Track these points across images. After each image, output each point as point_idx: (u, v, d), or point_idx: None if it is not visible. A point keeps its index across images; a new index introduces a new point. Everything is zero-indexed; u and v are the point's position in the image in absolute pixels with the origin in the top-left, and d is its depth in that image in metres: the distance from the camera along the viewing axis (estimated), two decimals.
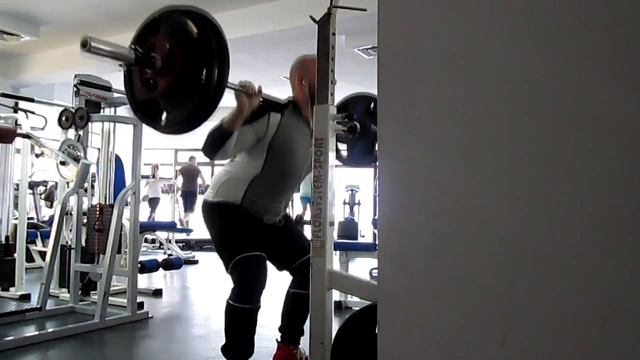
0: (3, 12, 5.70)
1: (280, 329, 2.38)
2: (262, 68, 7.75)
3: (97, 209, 3.46)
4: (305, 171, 2.27)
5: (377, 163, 0.93)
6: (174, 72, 1.59)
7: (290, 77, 2.23)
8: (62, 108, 3.55)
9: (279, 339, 2.37)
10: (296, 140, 2.14)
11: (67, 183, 3.71)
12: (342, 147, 2.44)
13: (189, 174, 10.38)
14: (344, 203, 9.82)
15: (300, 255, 2.28)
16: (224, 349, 2.14)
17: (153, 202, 9.98)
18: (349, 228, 6.69)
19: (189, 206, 10.34)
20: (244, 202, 2.14)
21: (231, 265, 2.09)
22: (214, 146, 2.00)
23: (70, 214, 3.78)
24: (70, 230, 3.85)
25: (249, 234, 2.15)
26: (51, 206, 6.70)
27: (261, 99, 2.02)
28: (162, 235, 6.89)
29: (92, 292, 3.77)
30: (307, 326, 1.84)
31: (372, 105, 2.34)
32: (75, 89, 3.49)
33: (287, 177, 2.24)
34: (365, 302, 1.74)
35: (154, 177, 9.87)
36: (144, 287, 4.44)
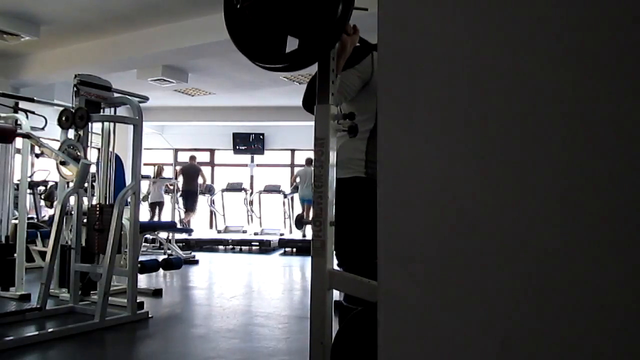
0: (3, 12, 5.70)
1: None
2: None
3: (97, 209, 3.46)
4: None
5: (377, 163, 0.93)
6: None
7: None
8: (62, 108, 3.55)
9: None
10: None
11: (67, 183, 3.71)
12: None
13: (189, 173, 10.37)
14: None
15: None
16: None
17: (156, 205, 9.94)
18: None
19: (189, 206, 10.32)
20: (368, 168, 1.91)
21: (356, 269, 1.83)
22: (308, 92, 1.80)
23: (70, 214, 3.78)
24: (70, 230, 3.85)
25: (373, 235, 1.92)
26: (51, 206, 6.70)
27: (359, 42, 1.86)
28: (162, 235, 6.89)
29: (92, 292, 3.77)
30: (305, 326, 1.84)
31: None
32: (75, 89, 3.49)
33: None
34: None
35: (157, 177, 9.84)
36: (144, 287, 4.44)
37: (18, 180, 4.37)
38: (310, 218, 1.76)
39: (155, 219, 9.98)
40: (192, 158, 10.88)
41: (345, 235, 1.90)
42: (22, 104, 4.44)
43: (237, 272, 6.33)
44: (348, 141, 1.92)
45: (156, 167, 10.06)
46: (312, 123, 1.70)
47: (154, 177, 9.76)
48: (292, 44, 1.62)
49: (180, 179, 10.31)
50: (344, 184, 1.88)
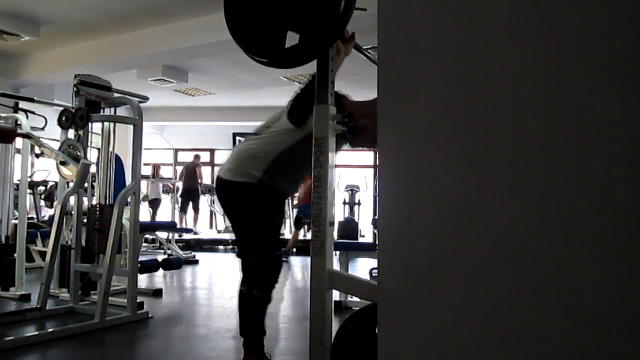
0: (3, 12, 5.69)
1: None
2: (263, 68, 7.73)
3: (97, 209, 3.46)
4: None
5: (377, 163, 0.93)
6: None
7: None
8: (62, 108, 3.55)
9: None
10: None
11: (67, 183, 3.71)
12: None
13: (189, 170, 10.38)
14: (344, 203, 9.82)
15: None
16: (249, 339, 2.20)
17: (154, 203, 9.96)
18: (349, 228, 6.72)
19: (194, 206, 10.30)
20: (261, 181, 2.08)
21: (262, 260, 2.13)
22: (310, 102, 1.80)
23: (70, 214, 3.78)
24: (70, 230, 3.85)
25: (277, 226, 2.17)
26: (51, 206, 6.70)
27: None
28: (162, 235, 6.89)
29: (92, 292, 3.77)
30: (305, 326, 1.83)
31: None
32: (75, 89, 3.49)
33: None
34: (365, 302, 1.74)
35: (154, 177, 9.84)
36: (144, 287, 4.44)
37: (18, 180, 4.37)
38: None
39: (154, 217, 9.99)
40: (196, 157, 10.85)
41: (238, 231, 2.19)
42: (22, 104, 4.43)
43: (237, 272, 6.31)
44: (252, 157, 2.12)
45: (153, 167, 10.07)
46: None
47: (152, 177, 9.75)
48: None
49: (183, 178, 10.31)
50: (242, 186, 2.11)
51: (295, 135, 2.07)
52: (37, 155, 5.02)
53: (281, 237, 2.34)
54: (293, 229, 7.74)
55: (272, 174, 2.09)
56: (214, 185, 2.27)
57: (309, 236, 7.60)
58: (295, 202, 7.70)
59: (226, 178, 2.16)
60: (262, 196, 2.11)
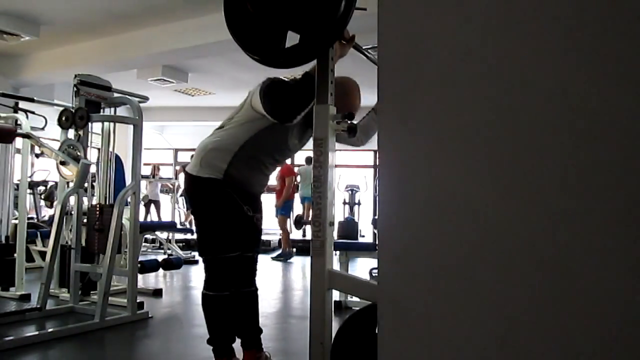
0: (3, 12, 5.70)
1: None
2: (263, 68, 7.72)
3: (97, 209, 3.46)
4: (297, 148, 2.28)
5: (377, 163, 0.93)
6: None
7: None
8: (62, 108, 3.55)
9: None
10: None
11: (67, 183, 3.71)
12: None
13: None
14: (344, 203, 9.82)
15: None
16: (213, 341, 2.23)
17: (152, 203, 9.95)
18: (349, 228, 6.72)
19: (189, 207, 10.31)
20: (225, 176, 2.09)
21: (215, 259, 2.11)
22: (304, 100, 1.82)
23: (70, 214, 3.78)
24: (70, 230, 3.85)
25: (237, 225, 2.13)
26: (51, 206, 6.70)
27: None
28: (162, 235, 6.89)
29: (92, 292, 3.77)
30: (305, 326, 1.83)
31: None
32: (75, 89, 3.49)
33: (284, 148, 2.21)
34: (365, 302, 1.74)
35: (154, 177, 9.85)
36: (144, 287, 4.44)
37: (18, 180, 4.37)
38: (310, 217, 1.78)
39: (155, 218, 9.98)
40: None
41: (201, 227, 2.17)
42: (22, 104, 4.43)
43: None
44: (216, 150, 2.12)
45: (152, 166, 10.07)
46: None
47: (151, 177, 9.75)
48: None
49: (182, 176, 10.30)
50: (208, 182, 2.07)
51: (256, 124, 2.07)
52: (37, 155, 5.03)
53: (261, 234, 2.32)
54: (281, 231, 7.72)
55: (237, 164, 2.09)
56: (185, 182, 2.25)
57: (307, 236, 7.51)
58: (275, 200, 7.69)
59: (193, 174, 2.15)
60: (228, 192, 2.09)
